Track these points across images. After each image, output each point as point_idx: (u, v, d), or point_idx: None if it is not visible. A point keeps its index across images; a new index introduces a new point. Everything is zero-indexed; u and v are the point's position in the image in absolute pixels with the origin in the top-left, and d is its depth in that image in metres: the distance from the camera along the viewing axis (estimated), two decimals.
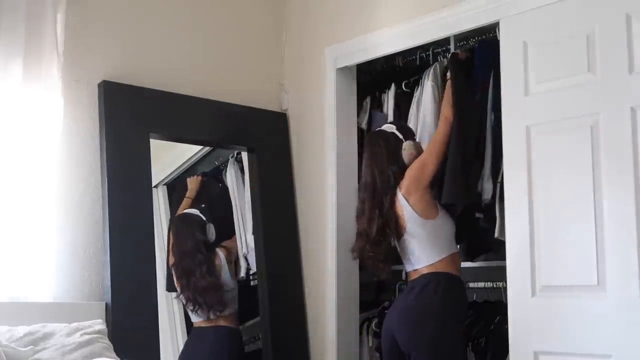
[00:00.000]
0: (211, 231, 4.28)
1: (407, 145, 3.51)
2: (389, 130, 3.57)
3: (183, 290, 4.18)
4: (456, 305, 3.41)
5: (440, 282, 3.38)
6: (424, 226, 3.43)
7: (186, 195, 4.37)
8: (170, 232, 4.30)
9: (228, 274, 4.26)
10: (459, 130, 3.41)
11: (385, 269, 3.54)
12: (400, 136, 3.54)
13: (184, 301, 4.20)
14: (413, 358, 3.34)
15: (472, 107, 3.50)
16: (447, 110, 3.48)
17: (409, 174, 3.46)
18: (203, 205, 4.38)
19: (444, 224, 3.46)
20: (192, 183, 4.42)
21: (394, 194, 3.46)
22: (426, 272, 3.42)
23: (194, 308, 4.18)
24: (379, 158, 3.52)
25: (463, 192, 3.41)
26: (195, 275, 4.16)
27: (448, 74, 3.58)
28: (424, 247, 3.43)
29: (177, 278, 4.20)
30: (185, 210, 4.34)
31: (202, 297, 4.15)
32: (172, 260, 4.22)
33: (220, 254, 4.27)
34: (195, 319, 4.24)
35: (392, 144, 3.52)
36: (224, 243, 4.31)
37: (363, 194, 3.55)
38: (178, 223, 4.32)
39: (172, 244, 4.25)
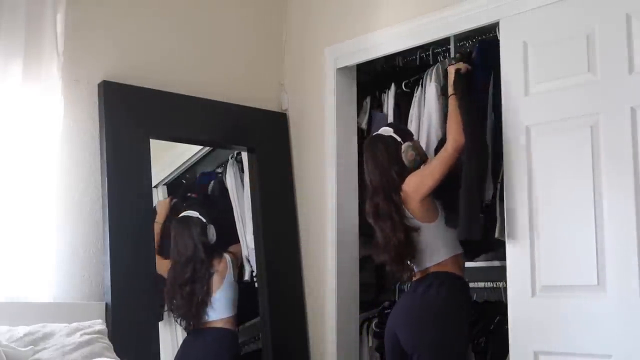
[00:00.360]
0: (212, 232, 4.24)
1: (405, 147, 3.47)
2: (386, 134, 3.53)
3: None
4: (459, 306, 3.40)
5: (444, 282, 3.37)
6: (425, 229, 3.42)
7: (155, 220, 4.10)
8: (161, 236, 4.15)
9: (232, 278, 4.23)
10: (472, 163, 3.31)
11: (411, 268, 3.51)
12: (399, 139, 3.50)
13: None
14: (416, 358, 3.34)
15: (482, 131, 3.42)
16: (456, 132, 3.30)
17: (409, 183, 3.41)
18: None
19: (446, 226, 3.45)
20: (161, 207, 4.24)
21: (401, 195, 3.44)
22: (429, 272, 3.42)
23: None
24: (381, 161, 3.47)
25: (479, 225, 3.35)
26: (176, 284, 4.10)
27: (450, 89, 3.44)
28: (427, 248, 3.42)
29: (166, 285, 4.12)
30: (184, 213, 4.27)
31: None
32: (166, 268, 4.13)
33: (228, 258, 4.24)
34: None
35: (392, 147, 3.48)
36: (231, 248, 4.27)
37: (373, 197, 3.48)
38: (177, 226, 4.22)
39: (170, 248, 4.18)
